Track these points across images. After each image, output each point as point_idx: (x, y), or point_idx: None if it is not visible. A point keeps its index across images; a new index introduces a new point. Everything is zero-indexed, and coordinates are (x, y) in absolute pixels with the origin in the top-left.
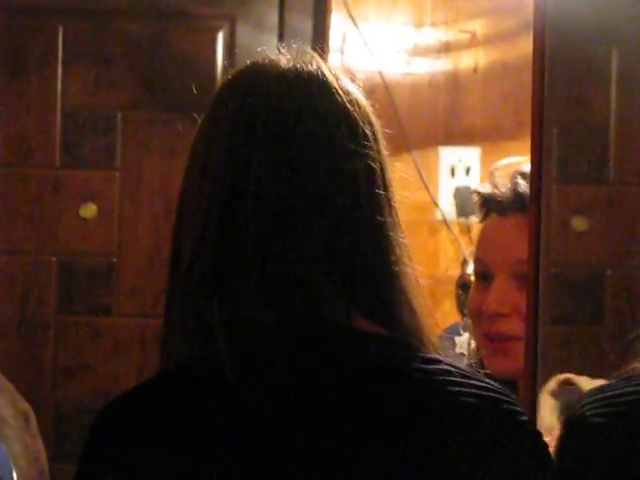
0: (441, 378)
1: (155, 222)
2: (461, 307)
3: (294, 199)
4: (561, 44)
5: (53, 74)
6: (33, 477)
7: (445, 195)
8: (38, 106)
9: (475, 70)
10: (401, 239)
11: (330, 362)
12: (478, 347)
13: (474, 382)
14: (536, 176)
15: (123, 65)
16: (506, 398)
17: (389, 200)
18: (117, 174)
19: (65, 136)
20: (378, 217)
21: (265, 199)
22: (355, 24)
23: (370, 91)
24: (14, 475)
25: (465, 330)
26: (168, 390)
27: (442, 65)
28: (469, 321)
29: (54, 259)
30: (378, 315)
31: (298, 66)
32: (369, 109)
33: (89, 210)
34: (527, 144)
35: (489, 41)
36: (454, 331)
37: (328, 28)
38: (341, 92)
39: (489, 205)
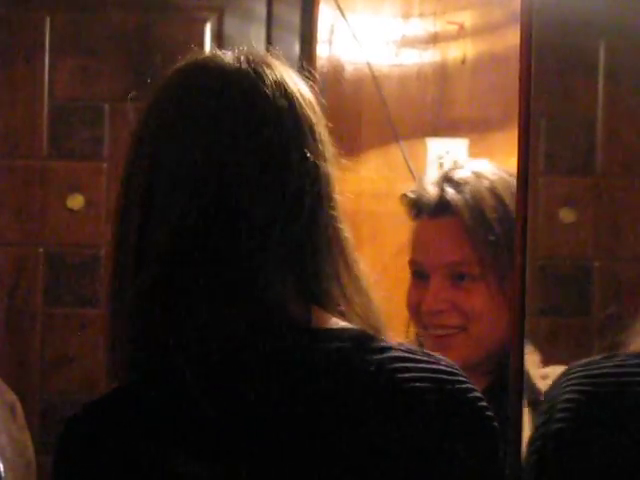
0: (390, 366)
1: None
2: None
3: (226, 195)
4: (548, 36)
5: (40, 65)
6: (20, 468)
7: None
8: (25, 97)
9: (463, 61)
10: (342, 229)
11: (279, 358)
12: (418, 340)
13: (423, 365)
14: (523, 168)
15: (111, 56)
16: (454, 378)
17: (328, 193)
18: (104, 165)
19: (52, 127)
20: (324, 207)
21: (202, 193)
22: (343, 15)
23: (358, 82)
24: (0, 466)
25: None
26: (132, 398)
27: (430, 56)
28: None
29: (41, 250)
30: (326, 303)
31: (242, 59)
32: (311, 104)
33: (76, 201)
34: (515, 135)
35: (477, 33)
36: None
37: (316, 19)
38: (274, 87)
39: (419, 206)
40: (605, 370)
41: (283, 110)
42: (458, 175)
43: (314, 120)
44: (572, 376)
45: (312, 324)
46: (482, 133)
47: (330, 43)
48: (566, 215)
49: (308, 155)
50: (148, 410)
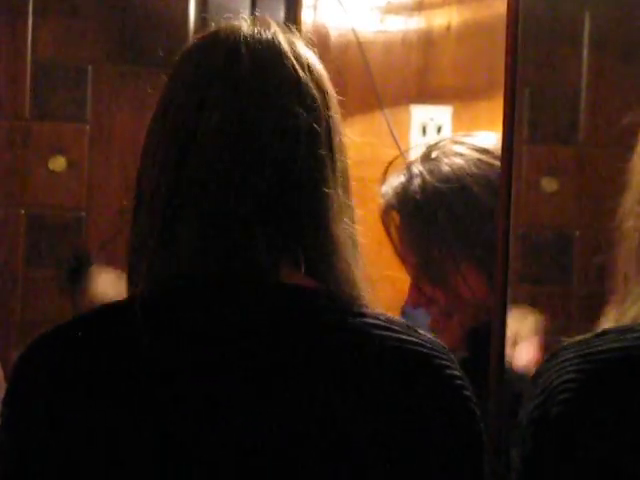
0: (363, 330)
1: (125, 176)
2: None
3: (238, 153)
4: (535, 5)
5: (23, 25)
6: None
7: (416, 153)
8: (8, 57)
9: (448, 29)
10: (343, 198)
11: (250, 314)
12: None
13: (400, 336)
14: (507, 136)
15: (94, 18)
16: (439, 354)
17: (333, 161)
18: (87, 127)
19: (35, 88)
20: (317, 174)
21: (212, 151)
22: None
23: (343, 48)
24: None
25: None
26: (86, 334)
27: (415, 23)
28: None
29: (22, 212)
30: (310, 268)
31: (255, 31)
32: (323, 75)
33: (58, 163)
34: (499, 104)
35: (462, 0)
36: None
37: None
38: (292, 57)
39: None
40: (601, 347)
41: (303, 79)
42: (416, 168)
43: (329, 90)
44: (566, 357)
45: (292, 283)
46: (466, 101)
47: (315, 9)
48: (548, 184)
49: (325, 124)
50: (100, 343)
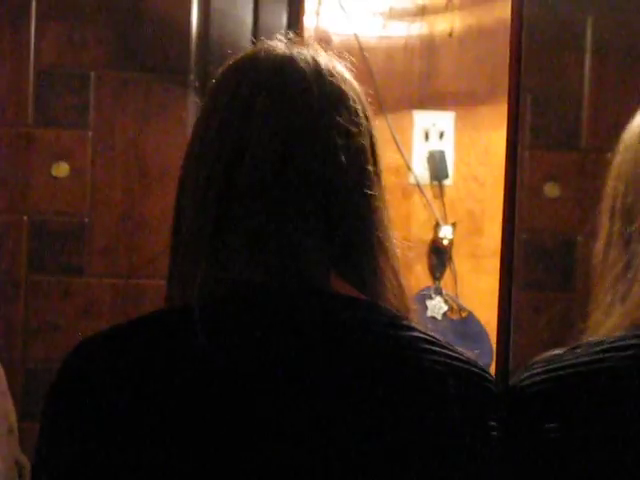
0: (414, 345)
1: (128, 182)
2: (433, 271)
3: (288, 173)
4: (538, 11)
5: (26, 31)
6: (2, 434)
7: (419, 159)
8: (10, 64)
9: (451, 34)
10: (386, 210)
11: (304, 323)
12: None
13: (446, 352)
14: (511, 142)
15: (98, 24)
16: (477, 370)
17: (378, 174)
18: (90, 133)
19: (38, 94)
20: (366, 190)
21: (261, 171)
22: None
23: (345, 54)
24: None
25: (437, 294)
26: (141, 339)
27: (418, 29)
28: (440, 285)
29: (25, 218)
30: (359, 281)
31: (294, 51)
32: (360, 89)
33: (61, 169)
34: (501, 110)
35: (465, 5)
36: (426, 295)
37: None
38: (335, 74)
39: None
40: (566, 362)
41: (346, 94)
42: None
43: (367, 105)
44: (533, 372)
45: (345, 294)
46: (469, 106)
47: (317, 14)
48: (550, 190)
49: (367, 141)
50: (151, 349)
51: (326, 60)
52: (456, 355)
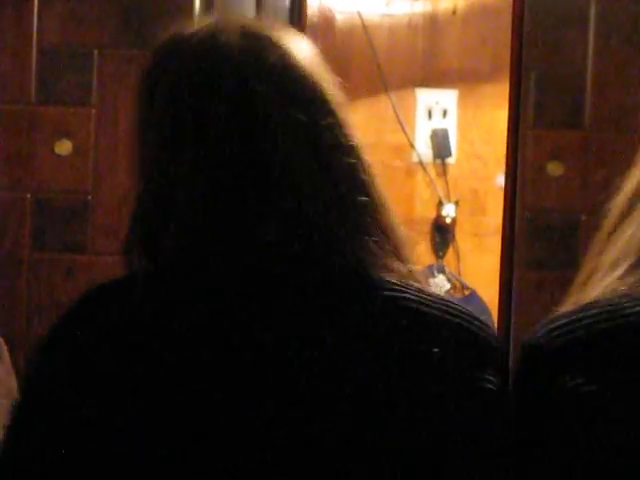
0: (413, 297)
1: (131, 159)
2: (436, 249)
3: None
4: None
5: (29, 10)
6: (5, 410)
7: (422, 137)
8: (14, 42)
9: (454, 12)
10: (373, 179)
11: (293, 281)
12: None
13: (439, 305)
14: (513, 121)
15: (100, 2)
16: (473, 324)
17: (350, 146)
18: (93, 111)
19: (41, 72)
20: (350, 160)
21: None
22: None
23: (348, 32)
24: None
25: (439, 272)
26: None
27: (421, 7)
28: (443, 263)
29: (29, 196)
30: (337, 240)
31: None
32: (323, 64)
33: (64, 147)
34: (504, 88)
35: None
36: (429, 273)
37: None
38: (294, 51)
39: None
40: (589, 320)
41: (313, 75)
42: None
43: (326, 86)
44: (556, 324)
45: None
46: (471, 84)
47: None
48: (554, 168)
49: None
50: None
51: (285, 38)
52: (450, 309)
